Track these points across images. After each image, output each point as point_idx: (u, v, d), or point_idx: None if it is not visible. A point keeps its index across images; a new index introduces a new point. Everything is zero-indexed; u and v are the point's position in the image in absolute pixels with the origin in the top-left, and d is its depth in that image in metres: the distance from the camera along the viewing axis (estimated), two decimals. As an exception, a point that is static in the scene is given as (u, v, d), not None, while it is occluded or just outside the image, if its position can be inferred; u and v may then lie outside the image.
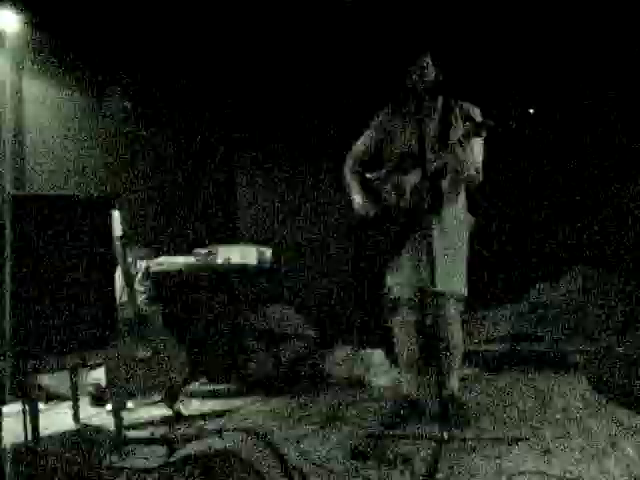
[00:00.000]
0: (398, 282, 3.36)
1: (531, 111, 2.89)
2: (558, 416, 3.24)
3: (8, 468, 2.42)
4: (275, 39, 5.18)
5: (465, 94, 3.41)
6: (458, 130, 3.26)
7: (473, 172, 3.28)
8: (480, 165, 3.32)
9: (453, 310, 3.31)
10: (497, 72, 4.88)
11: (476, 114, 3.32)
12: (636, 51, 4.69)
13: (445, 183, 3.29)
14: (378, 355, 4.43)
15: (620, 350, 3.68)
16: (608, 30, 4.73)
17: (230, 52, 5.30)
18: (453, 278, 3.24)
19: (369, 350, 4.48)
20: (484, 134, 3.13)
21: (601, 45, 4.77)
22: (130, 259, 3.98)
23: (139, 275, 4.26)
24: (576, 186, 5.12)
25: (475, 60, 4.74)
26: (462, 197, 3.42)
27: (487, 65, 4.87)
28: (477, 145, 3.28)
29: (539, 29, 4.85)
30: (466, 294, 3.35)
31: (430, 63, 3.28)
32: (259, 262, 4.75)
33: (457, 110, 3.35)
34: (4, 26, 4.51)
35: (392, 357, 4.09)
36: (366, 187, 3.51)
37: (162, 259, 4.53)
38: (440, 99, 3.39)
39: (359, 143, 3.62)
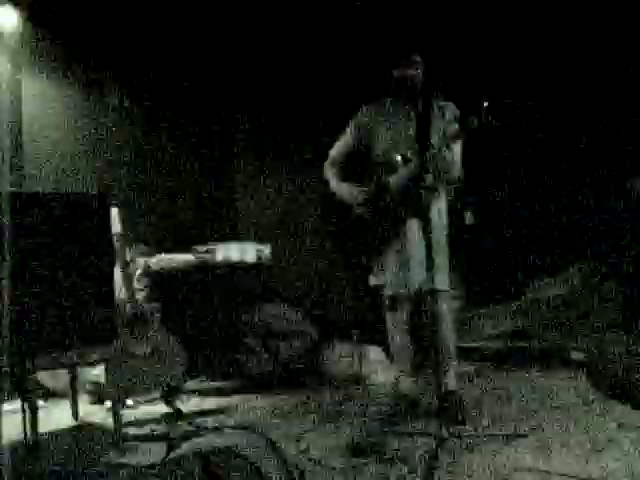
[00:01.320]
0: (387, 281, 3.37)
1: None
2: (557, 413, 3.24)
3: (7, 466, 2.41)
4: (274, 38, 5.18)
5: (447, 92, 3.43)
6: (439, 129, 3.28)
7: (456, 172, 3.31)
8: (459, 163, 3.34)
9: (444, 306, 3.32)
10: (486, 70, 4.87)
11: (453, 114, 3.36)
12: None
13: (428, 183, 3.29)
14: (377, 352, 4.43)
15: (619, 347, 3.68)
16: (606, 26, 4.73)
17: (230, 49, 5.29)
18: (439, 275, 3.25)
19: (368, 347, 4.48)
20: (465, 136, 3.16)
21: (600, 40, 4.76)
22: (129, 257, 3.98)
23: (138, 273, 4.26)
24: (577, 183, 5.11)
25: (457, 58, 4.74)
26: (444, 195, 3.44)
27: (473, 62, 4.86)
28: (457, 144, 3.31)
29: (528, 25, 4.85)
30: (450, 289, 3.36)
31: (419, 62, 3.29)
32: (258, 259, 4.75)
33: (437, 109, 3.36)
34: (2, 23, 4.51)
35: (391, 354, 4.10)
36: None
37: (161, 257, 4.53)
38: (421, 98, 3.38)
39: (338, 146, 3.63)
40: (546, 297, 4.88)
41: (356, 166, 3.55)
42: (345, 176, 3.57)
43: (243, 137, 5.70)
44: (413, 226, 3.28)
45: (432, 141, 3.23)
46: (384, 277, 3.39)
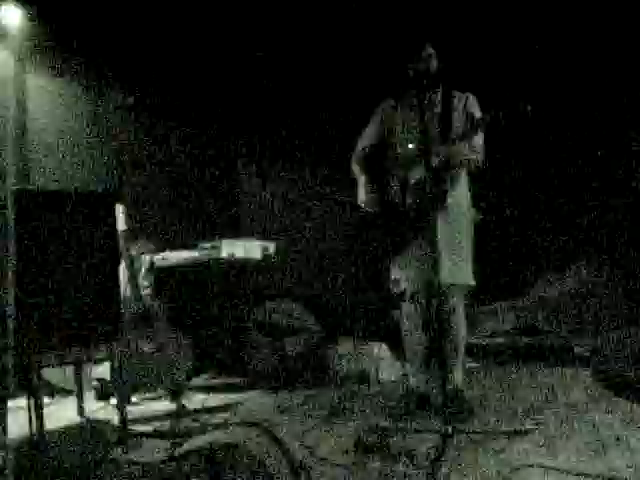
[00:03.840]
0: (404, 276, 3.37)
1: (529, 108, 2.89)
2: (562, 409, 3.24)
3: (13, 462, 2.42)
4: (278, 38, 5.17)
5: (465, 83, 3.42)
6: (459, 121, 3.28)
7: (476, 162, 3.32)
8: (481, 147, 3.33)
9: (458, 303, 3.31)
10: (498, 61, 4.85)
11: (474, 104, 3.36)
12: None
13: (448, 176, 3.29)
14: (382, 349, 4.43)
15: (625, 343, 3.67)
16: (614, 21, 4.71)
17: (235, 46, 5.29)
18: (460, 269, 3.25)
19: (374, 344, 4.47)
20: (483, 129, 3.16)
21: (609, 33, 4.74)
22: (134, 253, 3.98)
23: (143, 270, 4.27)
24: (583, 180, 5.10)
25: (475, 49, 4.72)
26: (465, 187, 3.42)
27: (487, 54, 4.84)
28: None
29: (541, 17, 4.83)
30: (473, 283, 3.34)
31: (433, 54, 3.29)
32: (263, 257, 4.75)
33: (456, 100, 3.36)
34: (7, 20, 4.52)
35: (397, 351, 4.10)
36: (374, 180, 3.51)
37: (166, 254, 4.53)
38: (440, 90, 3.38)
39: (364, 137, 3.63)
40: (552, 294, 4.87)
41: (381, 160, 3.54)
42: (372, 170, 3.55)
43: (246, 134, 5.69)
44: (433, 219, 3.25)
45: (454, 133, 3.23)
46: (403, 271, 3.38)
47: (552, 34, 4.83)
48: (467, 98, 3.38)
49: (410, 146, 3.35)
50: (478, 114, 3.29)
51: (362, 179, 3.53)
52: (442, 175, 3.25)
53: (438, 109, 3.34)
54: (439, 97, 3.36)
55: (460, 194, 3.38)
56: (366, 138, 3.62)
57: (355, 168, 3.61)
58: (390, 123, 3.51)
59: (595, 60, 4.80)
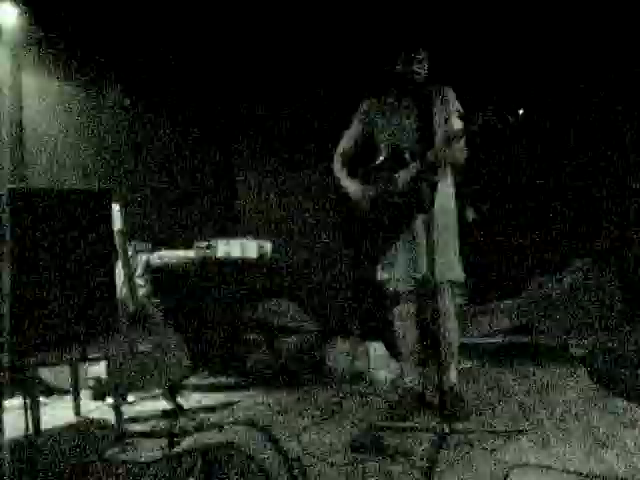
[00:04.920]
0: (395, 275, 3.37)
1: (520, 112, 2.88)
2: (558, 409, 3.25)
3: (8, 462, 2.42)
4: (273, 34, 5.16)
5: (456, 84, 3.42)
6: (442, 119, 3.28)
7: (460, 161, 3.34)
8: (463, 146, 3.32)
9: (449, 300, 3.32)
10: (486, 62, 4.86)
11: (452, 98, 3.36)
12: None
13: (436, 177, 3.28)
14: (379, 348, 4.43)
15: (621, 343, 3.68)
16: (609, 23, 4.71)
17: (230, 46, 5.28)
18: (448, 266, 3.26)
19: (370, 343, 4.48)
20: (469, 133, 3.16)
21: (602, 35, 4.74)
22: (130, 253, 3.98)
23: (139, 269, 4.26)
24: (578, 180, 5.11)
25: (460, 51, 4.73)
26: (451, 186, 3.43)
27: (477, 56, 4.85)
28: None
29: (532, 20, 4.84)
30: (462, 279, 3.36)
31: (426, 57, 3.29)
32: (259, 256, 4.75)
33: (434, 96, 3.36)
34: (3, 20, 4.50)
35: (393, 350, 4.10)
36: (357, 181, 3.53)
37: (162, 253, 4.52)
38: (425, 89, 3.37)
39: (345, 138, 3.63)
40: (548, 293, 4.88)
41: (364, 159, 3.54)
42: (353, 169, 3.56)
43: (244, 133, 5.69)
44: (420, 219, 3.26)
45: (437, 134, 3.23)
46: (391, 271, 3.39)
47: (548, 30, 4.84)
48: (445, 93, 3.37)
49: (384, 153, 3.37)
50: (458, 107, 3.28)
51: (346, 182, 3.54)
52: (430, 175, 3.24)
53: (423, 108, 3.32)
54: (424, 96, 3.35)
55: (446, 193, 3.39)
56: (347, 139, 3.62)
57: (336, 168, 3.62)
58: (374, 121, 3.51)
59: (594, 58, 4.81)
